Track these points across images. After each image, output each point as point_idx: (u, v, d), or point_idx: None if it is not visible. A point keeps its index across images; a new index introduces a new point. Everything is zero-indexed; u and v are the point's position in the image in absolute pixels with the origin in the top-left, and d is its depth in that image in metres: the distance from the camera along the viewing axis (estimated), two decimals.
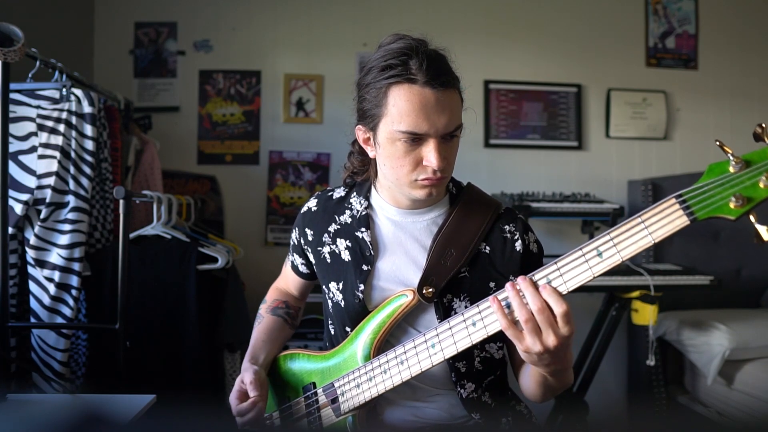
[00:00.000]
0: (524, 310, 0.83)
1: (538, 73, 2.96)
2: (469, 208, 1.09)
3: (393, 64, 0.96)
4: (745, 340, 2.27)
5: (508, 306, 0.86)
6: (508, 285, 0.86)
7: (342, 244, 1.12)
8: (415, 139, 0.97)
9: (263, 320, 1.24)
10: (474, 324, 0.91)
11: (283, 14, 2.87)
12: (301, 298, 1.33)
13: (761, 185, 0.72)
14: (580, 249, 0.83)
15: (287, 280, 1.31)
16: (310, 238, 1.17)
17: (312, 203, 1.20)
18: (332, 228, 1.14)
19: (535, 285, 0.84)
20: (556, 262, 0.85)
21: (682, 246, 2.74)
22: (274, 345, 1.20)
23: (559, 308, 0.82)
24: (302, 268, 1.24)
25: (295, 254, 1.24)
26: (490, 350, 1.09)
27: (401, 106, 0.95)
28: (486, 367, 1.08)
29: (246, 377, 1.09)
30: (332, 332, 1.16)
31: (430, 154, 0.96)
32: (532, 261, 1.08)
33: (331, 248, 1.14)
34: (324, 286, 1.16)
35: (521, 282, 0.85)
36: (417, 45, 0.97)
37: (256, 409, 1.05)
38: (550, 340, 0.82)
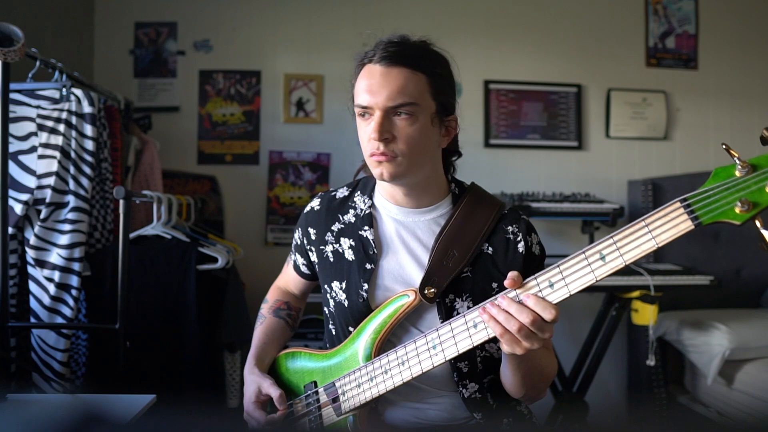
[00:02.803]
0: (513, 321, 0.85)
1: (538, 73, 2.96)
2: (471, 207, 1.09)
3: (364, 54, 1.04)
4: (745, 340, 2.27)
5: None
6: (488, 304, 0.89)
7: (346, 243, 1.12)
8: (365, 114, 1.02)
9: (265, 321, 1.24)
10: (476, 326, 0.91)
11: (283, 14, 2.87)
12: (301, 297, 1.33)
13: None
14: (583, 252, 0.83)
15: (288, 279, 1.31)
16: (313, 237, 1.17)
17: (315, 203, 1.20)
18: (336, 227, 1.14)
19: (516, 300, 0.87)
20: (558, 265, 0.85)
21: (682, 246, 2.74)
22: (275, 347, 1.20)
23: (549, 315, 0.84)
24: (304, 269, 1.24)
25: (297, 254, 1.24)
26: (490, 350, 1.09)
27: (358, 85, 1.04)
28: (486, 366, 1.08)
29: (268, 388, 1.08)
30: (333, 332, 1.15)
31: (370, 126, 1.01)
32: (534, 263, 1.08)
33: (334, 247, 1.13)
34: (326, 286, 1.15)
35: (502, 301, 0.87)
36: (392, 35, 1.05)
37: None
38: (547, 334, 0.86)
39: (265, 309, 1.27)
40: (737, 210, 0.73)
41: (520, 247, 1.07)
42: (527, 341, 0.85)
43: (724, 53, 3.05)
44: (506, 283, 0.88)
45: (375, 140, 0.99)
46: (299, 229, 1.21)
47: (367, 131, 1.01)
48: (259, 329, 1.22)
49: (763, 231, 0.72)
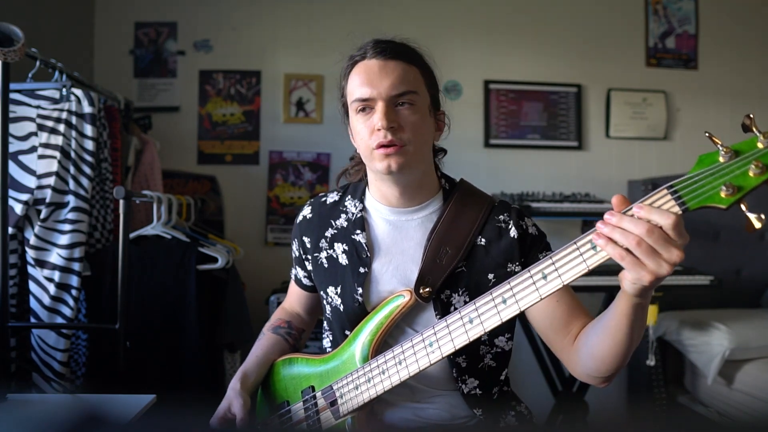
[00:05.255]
0: (630, 236, 0.75)
1: (538, 73, 2.96)
2: (462, 203, 1.09)
3: (353, 55, 1.05)
4: (745, 340, 2.27)
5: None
6: (599, 224, 0.78)
7: (339, 248, 1.12)
8: (366, 108, 1.02)
9: (263, 338, 1.22)
10: (471, 321, 0.91)
11: (283, 14, 2.87)
12: (307, 316, 1.30)
13: (751, 174, 0.72)
14: (575, 242, 0.83)
15: (292, 298, 1.30)
16: (308, 246, 1.17)
17: (306, 211, 1.20)
18: (329, 233, 1.14)
19: (626, 214, 0.77)
20: (551, 257, 0.85)
21: None
22: (267, 364, 1.17)
23: (666, 220, 0.74)
24: (305, 281, 1.24)
25: (297, 267, 1.24)
26: (500, 344, 1.08)
27: (353, 81, 1.03)
28: (499, 362, 1.08)
29: (237, 408, 1.05)
30: (330, 338, 1.16)
31: (375, 116, 1.00)
32: (533, 242, 1.08)
33: (328, 253, 1.13)
34: (322, 292, 1.15)
35: (611, 217, 0.77)
36: (379, 37, 1.06)
37: None
38: (675, 255, 0.74)
39: (266, 327, 1.26)
40: (723, 194, 0.73)
41: (513, 232, 1.07)
42: (651, 261, 0.74)
43: (724, 53, 3.05)
44: (613, 201, 0.80)
45: (383, 129, 0.99)
46: (295, 240, 1.21)
47: (369, 124, 1.01)
48: (255, 345, 1.20)
49: (749, 214, 0.73)
